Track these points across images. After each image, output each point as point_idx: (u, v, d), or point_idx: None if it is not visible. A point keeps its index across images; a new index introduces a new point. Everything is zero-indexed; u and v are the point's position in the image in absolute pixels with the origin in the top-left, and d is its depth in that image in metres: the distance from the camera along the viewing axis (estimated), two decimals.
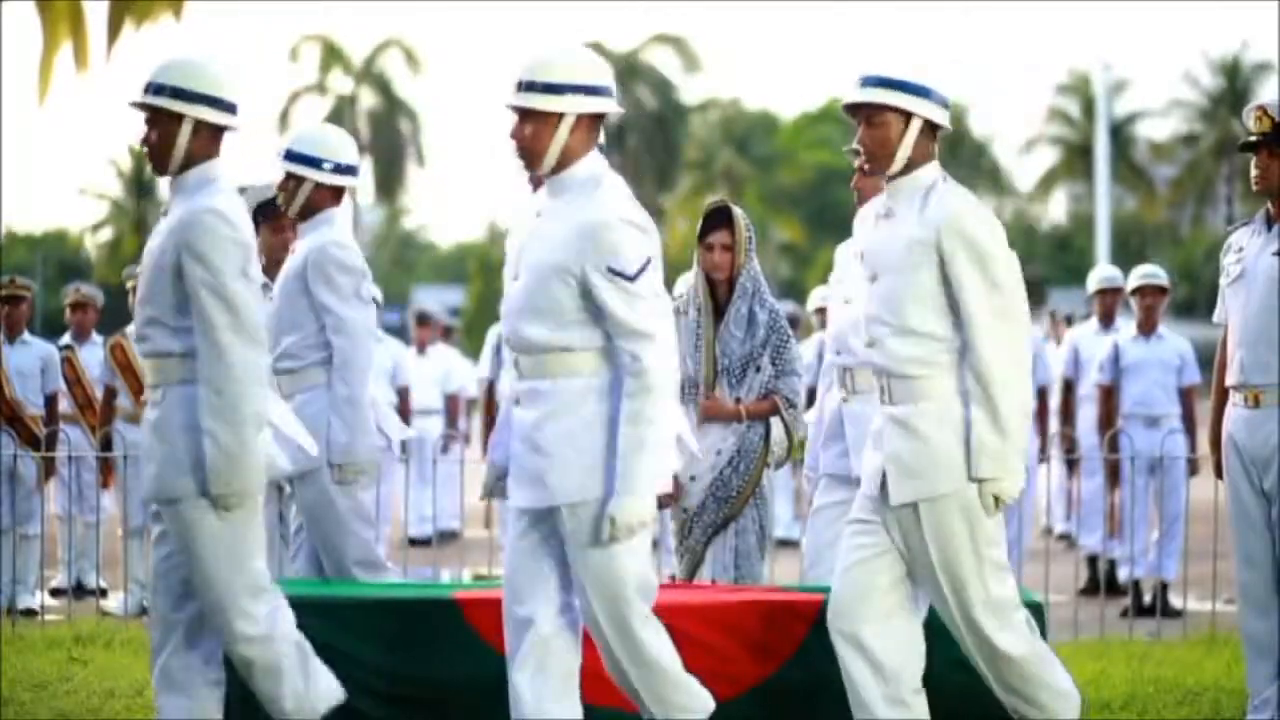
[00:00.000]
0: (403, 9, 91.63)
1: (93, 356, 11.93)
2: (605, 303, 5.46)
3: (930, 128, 5.79)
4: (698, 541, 7.45)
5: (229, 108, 5.96)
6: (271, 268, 7.51)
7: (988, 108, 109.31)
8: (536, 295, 5.55)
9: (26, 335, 11.89)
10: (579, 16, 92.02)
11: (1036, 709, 5.82)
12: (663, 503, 7.23)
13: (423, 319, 16.73)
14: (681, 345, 7.44)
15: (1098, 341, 12.61)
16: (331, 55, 59.74)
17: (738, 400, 7.44)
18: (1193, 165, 59.01)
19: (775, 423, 7.45)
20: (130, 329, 9.44)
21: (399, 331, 22.22)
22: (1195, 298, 51.66)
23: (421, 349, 16.33)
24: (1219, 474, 7.18)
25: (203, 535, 5.82)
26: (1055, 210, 66.28)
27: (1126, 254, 48.54)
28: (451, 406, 16.29)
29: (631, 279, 5.46)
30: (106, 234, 61.62)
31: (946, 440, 5.68)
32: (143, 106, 5.94)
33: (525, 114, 5.59)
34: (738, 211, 7.55)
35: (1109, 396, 11.90)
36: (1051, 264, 59.12)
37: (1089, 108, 57.58)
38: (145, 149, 6.00)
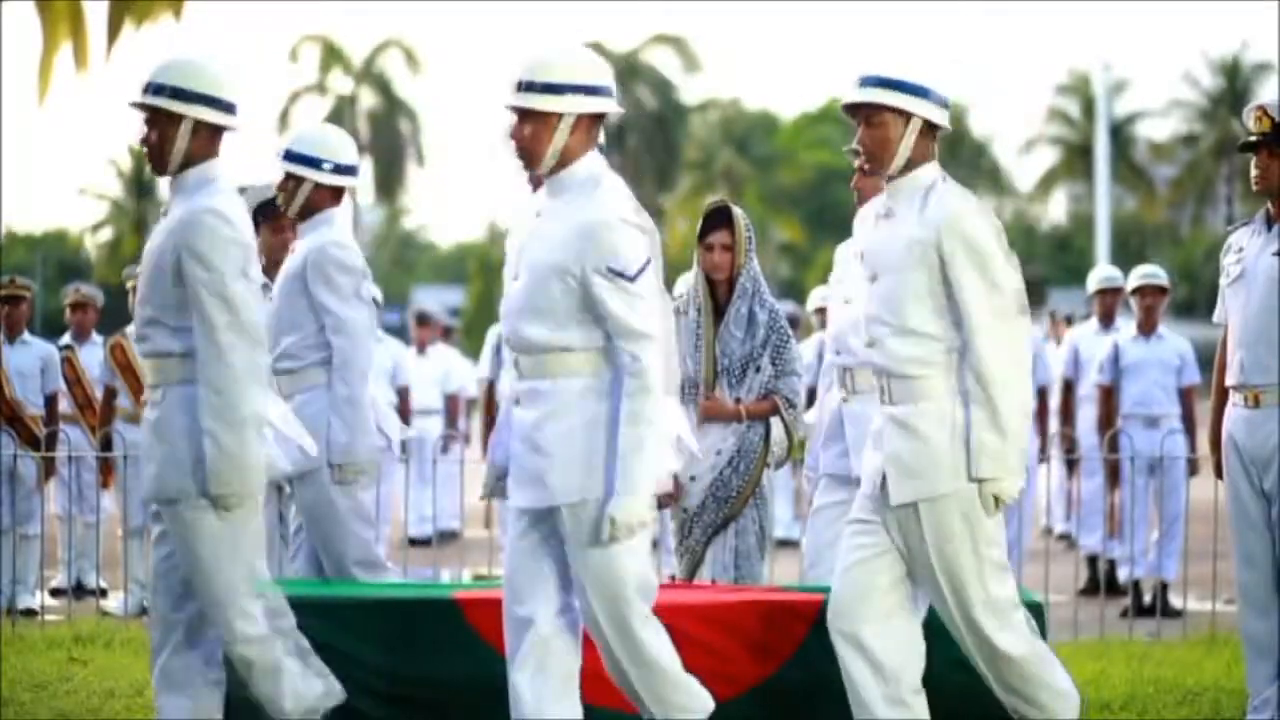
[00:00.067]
0: (403, 9, 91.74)
1: (93, 356, 11.93)
2: (605, 303, 5.46)
3: (929, 128, 5.79)
4: (698, 542, 7.44)
5: (228, 108, 5.96)
6: (271, 268, 7.51)
7: (988, 108, 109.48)
8: (536, 295, 5.55)
9: (26, 335, 11.89)
10: (579, 16, 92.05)
11: (1036, 709, 5.82)
12: (662, 503, 7.24)
13: (422, 319, 16.73)
14: (681, 345, 7.45)
15: (1098, 341, 12.61)
16: (331, 55, 59.75)
17: (738, 400, 7.44)
18: (1193, 165, 59.01)
19: (775, 423, 7.45)
20: (130, 329, 9.43)
21: (399, 331, 22.22)
22: (1195, 298, 51.66)
23: (421, 349, 16.33)
24: (1219, 474, 7.18)
25: (202, 535, 5.82)
26: (1055, 210, 66.38)
27: (1126, 254, 48.54)
28: (451, 406, 16.29)
29: (631, 279, 5.46)
30: (106, 234, 61.63)
31: (946, 440, 5.67)
32: (141, 106, 5.95)
33: (524, 114, 5.59)
34: (738, 211, 7.55)
35: (1109, 396, 11.90)
36: (1051, 264, 59.14)
37: (1089, 108, 57.58)
38: (144, 149, 6.01)
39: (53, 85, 3.67)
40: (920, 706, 5.78)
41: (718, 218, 7.53)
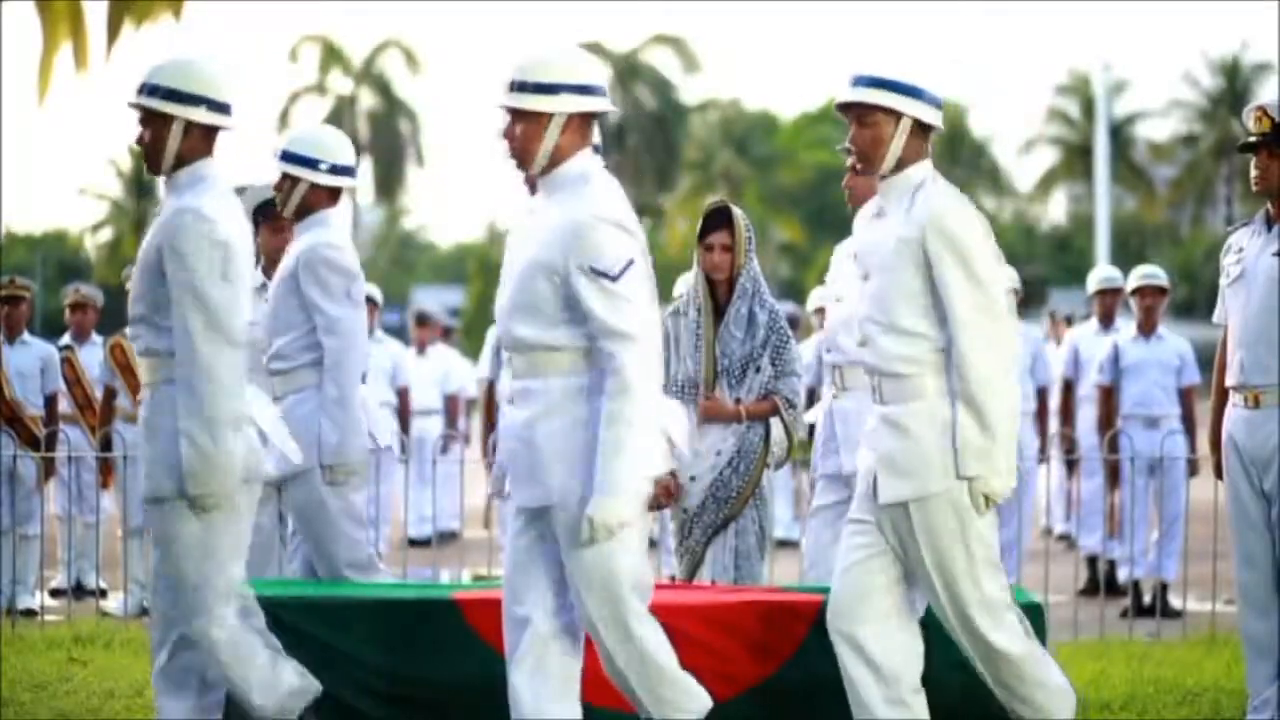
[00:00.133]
0: (403, 9, 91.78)
1: (92, 357, 11.93)
2: (586, 302, 5.44)
3: (922, 128, 5.79)
4: (698, 542, 7.44)
5: (221, 108, 5.96)
6: (271, 268, 7.51)
7: (987, 108, 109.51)
8: (524, 294, 5.55)
9: (26, 335, 11.89)
10: (578, 16, 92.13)
11: (1032, 708, 5.82)
12: (660, 503, 7.24)
13: (422, 319, 16.73)
14: (681, 345, 7.45)
15: (1097, 342, 12.61)
16: (331, 56, 59.77)
17: (737, 401, 7.44)
18: (1192, 166, 59.02)
19: (775, 423, 7.45)
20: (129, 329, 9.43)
21: (398, 332, 22.23)
22: (1195, 298, 51.65)
23: (421, 349, 16.32)
24: (1219, 474, 7.18)
25: (181, 536, 5.81)
26: (1055, 210, 66.38)
27: (1126, 254, 48.54)
28: (451, 407, 16.28)
29: (614, 279, 5.44)
30: (106, 234, 61.65)
31: (936, 439, 5.67)
32: (136, 107, 5.95)
33: (516, 114, 5.59)
34: (737, 212, 7.55)
35: (1109, 397, 11.89)
36: (1051, 264, 59.19)
37: (1089, 108, 57.58)
38: (140, 149, 6.02)
39: (53, 85, 3.67)
40: (920, 706, 5.78)
41: (718, 218, 7.53)
